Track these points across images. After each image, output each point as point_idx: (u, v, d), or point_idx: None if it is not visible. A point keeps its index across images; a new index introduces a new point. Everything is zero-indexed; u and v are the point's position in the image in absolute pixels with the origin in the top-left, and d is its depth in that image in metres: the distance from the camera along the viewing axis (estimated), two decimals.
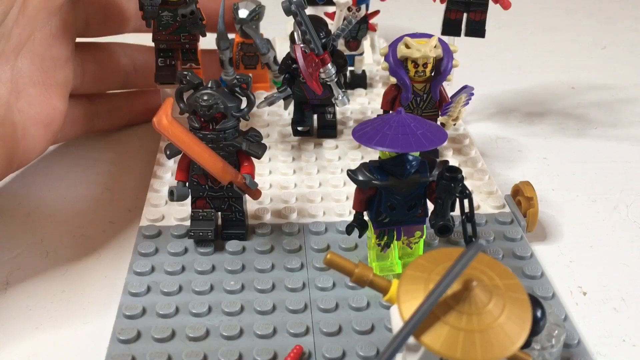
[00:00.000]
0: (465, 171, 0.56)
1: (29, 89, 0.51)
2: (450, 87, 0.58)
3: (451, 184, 0.39)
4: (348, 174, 0.42)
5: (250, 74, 0.67)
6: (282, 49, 0.73)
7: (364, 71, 0.71)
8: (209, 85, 0.44)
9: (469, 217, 0.41)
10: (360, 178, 0.42)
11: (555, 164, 0.61)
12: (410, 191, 0.42)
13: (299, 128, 0.62)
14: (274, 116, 0.65)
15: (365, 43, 0.71)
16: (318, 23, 0.55)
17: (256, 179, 0.47)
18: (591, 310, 0.44)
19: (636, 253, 0.50)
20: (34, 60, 0.51)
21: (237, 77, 0.44)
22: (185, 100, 0.45)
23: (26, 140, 0.51)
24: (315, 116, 0.62)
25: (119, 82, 0.64)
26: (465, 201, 0.41)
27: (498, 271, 0.30)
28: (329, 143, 0.61)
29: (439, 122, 0.56)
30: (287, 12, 0.51)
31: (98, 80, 0.61)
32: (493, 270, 0.30)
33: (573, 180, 0.59)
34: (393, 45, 0.54)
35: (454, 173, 0.39)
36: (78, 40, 0.57)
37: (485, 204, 0.52)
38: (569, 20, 1.01)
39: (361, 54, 0.70)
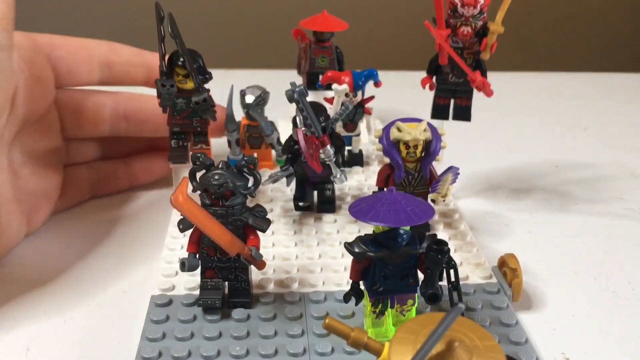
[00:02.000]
0: (454, 244, 0.61)
1: (23, 170, 0.60)
2: (440, 166, 0.63)
3: (438, 255, 0.43)
4: (345, 247, 0.46)
5: (256, 154, 0.73)
6: (285, 129, 0.79)
7: (360, 151, 0.76)
8: (220, 166, 0.49)
9: (454, 285, 0.45)
10: (356, 250, 0.46)
11: (540, 238, 0.65)
12: (402, 262, 0.46)
13: (300, 204, 0.66)
14: (277, 192, 0.70)
15: (362, 125, 0.76)
16: (318, 109, 0.61)
17: (261, 251, 0.51)
18: None
19: (615, 321, 0.53)
20: (23, 149, 0.60)
21: (245, 158, 0.49)
22: (197, 179, 0.49)
23: (30, 212, 0.60)
24: (315, 192, 0.66)
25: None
26: (452, 271, 0.45)
27: (478, 333, 0.34)
28: (328, 217, 0.65)
29: (429, 199, 0.61)
30: (290, 99, 0.57)
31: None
32: (473, 332, 0.34)
33: (556, 253, 0.63)
34: (386, 129, 0.59)
35: (441, 246, 0.44)
36: None
37: (474, 274, 0.56)
38: (552, 103, 1.07)
39: (358, 134, 0.75)
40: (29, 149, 0.61)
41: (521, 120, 0.99)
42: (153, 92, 0.62)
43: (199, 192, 0.49)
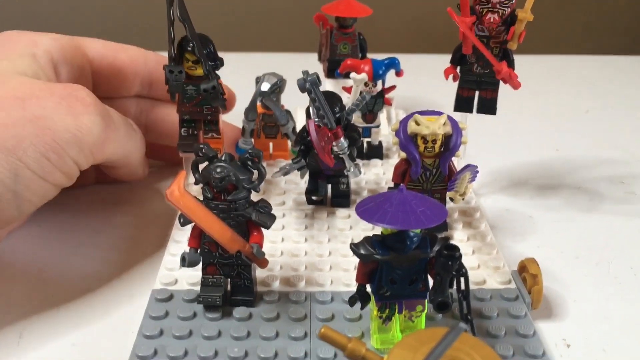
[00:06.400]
0: (473, 245, 0.57)
1: None
2: (460, 163, 0.59)
3: (448, 261, 0.40)
4: (351, 247, 0.44)
5: (271, 143, 0.71)
6: (302, 119, 0.76)
7: (380, 142, 0.73)
8: (223, 158, 0.46)
9: (464, 295, 0.42)
10: (362, 252, 0.43)
11: (567, 239, 0.61)
12: (411, 266, 0.43)
13: (313, 197, 0.64)
14: (290, 184, 0.67)
15: (382, 115, 0.73)
16: (332, 99, 0.58)
17: (268, 246, 0.48)
18: None
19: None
20: None
21: (250, 151, 0.47)
22: (200, 171, 0.47)
23: None
24: (329, 186, 0.64)
25: None
26: (462, 279, 0.42)
27: (483, 353, 0.31)
28: (341, 212, 0.62)
29: (447, 197, 0.57)
30: (302, 89, 0.54)
31: None
32: (478, 351, 0.31)
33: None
34: (404, 122, 0.56)
35: (452, 251, 0.41)
36: None
37: (492, 279, 0.53)
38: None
39: (377, 126, 0.72)
40: None
41: (541, 108, 0.95)
42: None
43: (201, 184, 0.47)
